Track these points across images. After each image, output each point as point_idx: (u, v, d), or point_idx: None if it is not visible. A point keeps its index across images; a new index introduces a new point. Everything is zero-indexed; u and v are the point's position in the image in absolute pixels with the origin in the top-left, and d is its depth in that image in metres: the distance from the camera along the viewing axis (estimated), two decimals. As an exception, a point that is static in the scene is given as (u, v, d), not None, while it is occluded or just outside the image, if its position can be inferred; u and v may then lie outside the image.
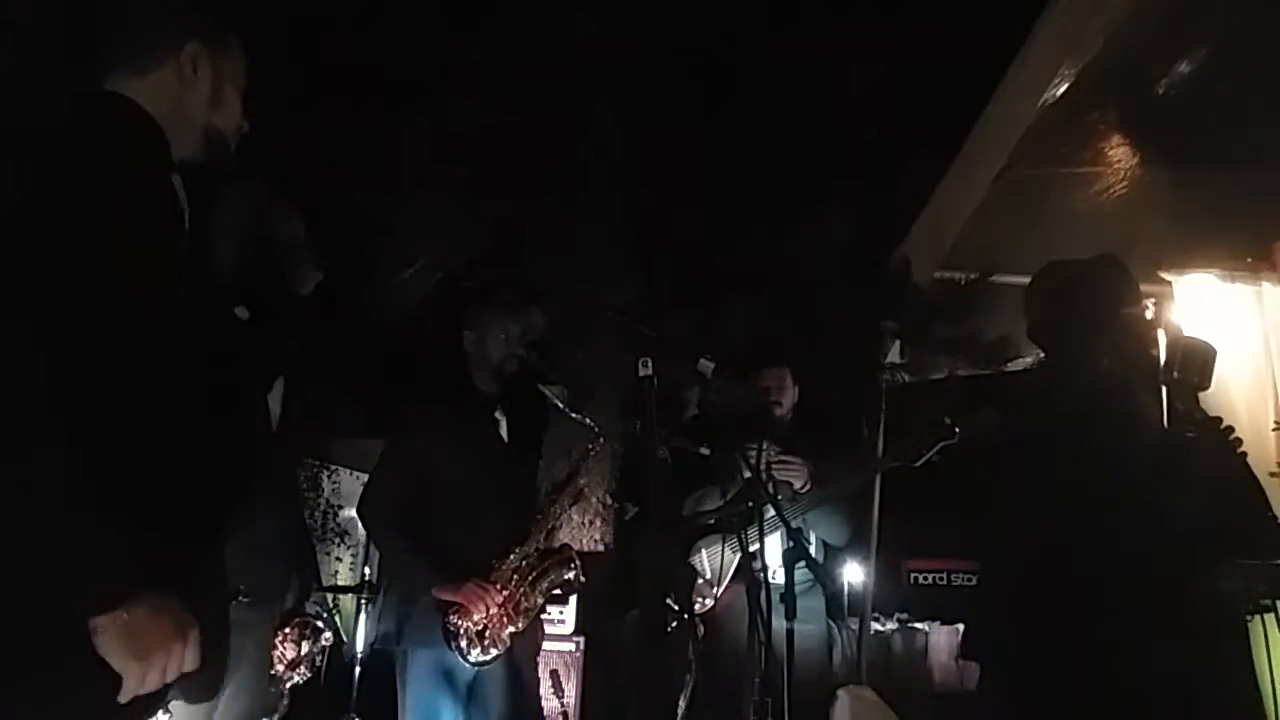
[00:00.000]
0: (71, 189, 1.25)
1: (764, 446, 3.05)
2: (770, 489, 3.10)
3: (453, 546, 2.80)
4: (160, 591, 1.22)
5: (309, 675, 3.57)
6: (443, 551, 2.80)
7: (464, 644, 2.74)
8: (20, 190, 1.23)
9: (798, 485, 3.30)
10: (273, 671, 3.22)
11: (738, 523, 3.12)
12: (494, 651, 2.77)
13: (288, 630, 3.43)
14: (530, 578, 2.89)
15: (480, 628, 2.76)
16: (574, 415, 3.11)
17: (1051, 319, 2.21)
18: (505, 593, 2.81)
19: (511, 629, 2.81)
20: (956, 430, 3.02)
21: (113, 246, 1.26)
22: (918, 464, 3.14)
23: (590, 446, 3.31)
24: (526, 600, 2.87)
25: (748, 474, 2.78)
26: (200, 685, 1.37)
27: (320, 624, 3.67)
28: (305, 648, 3.51)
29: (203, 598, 1.33)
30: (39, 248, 1.21)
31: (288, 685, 3.43)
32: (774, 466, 3.27)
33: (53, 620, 1.19)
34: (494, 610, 2.77)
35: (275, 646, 3.25)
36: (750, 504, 2.93)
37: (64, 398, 1.18)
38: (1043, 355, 2.30)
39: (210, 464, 1.42)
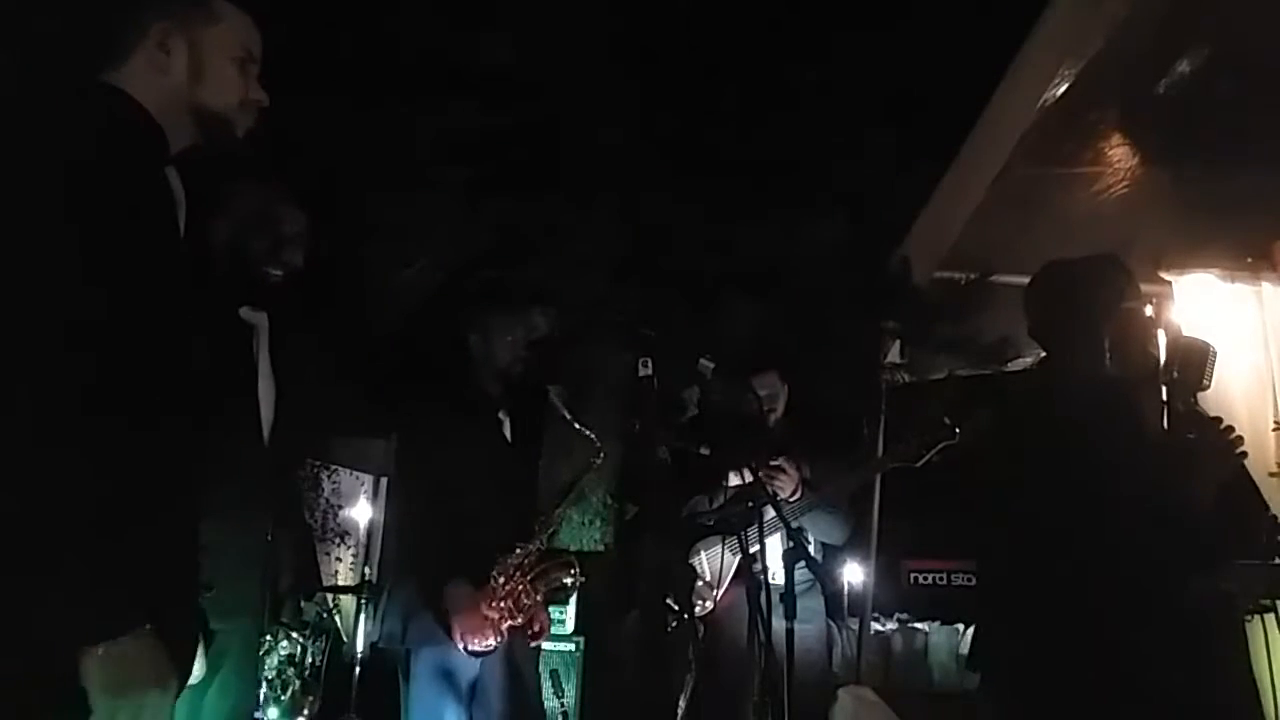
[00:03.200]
0: (60, 187, 1.19)
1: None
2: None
3: (457, 545, 2.80)
4: (148, 624, 1.17)
5: (297, 681, 3.57)
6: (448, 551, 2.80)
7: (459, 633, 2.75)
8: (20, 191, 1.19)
9: (786, 494, 3.25)
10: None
11: (737, 524, 3.11)
12: (490, 643, 2.78)
13: (269, 637, 3.44)
14: (531, 575, 2.90)
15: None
16: (578, 427, 3.09)
17: (1052, 318, 2.21)
18: (508, 587, 2.82)
19: (509, 623, 2.81)
20: (957, 430, 3.02)
21: (101, 247, 1.19)
22: (918, 465, 3.14)
23: (593, 459, 3.30)
24: (526, 596, 2.87)
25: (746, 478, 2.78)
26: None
27: (294, 630, 3.68)
28: (288, 650, 3.52)
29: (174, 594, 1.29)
30: (33, 249, 1.17)
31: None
32: (763, 476, 3.25)
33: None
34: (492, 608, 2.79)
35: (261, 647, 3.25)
36: (749, 505, 2.92)
37: (68, 403, 1.13)
38: (1043, 355, 2.30)
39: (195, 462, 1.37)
